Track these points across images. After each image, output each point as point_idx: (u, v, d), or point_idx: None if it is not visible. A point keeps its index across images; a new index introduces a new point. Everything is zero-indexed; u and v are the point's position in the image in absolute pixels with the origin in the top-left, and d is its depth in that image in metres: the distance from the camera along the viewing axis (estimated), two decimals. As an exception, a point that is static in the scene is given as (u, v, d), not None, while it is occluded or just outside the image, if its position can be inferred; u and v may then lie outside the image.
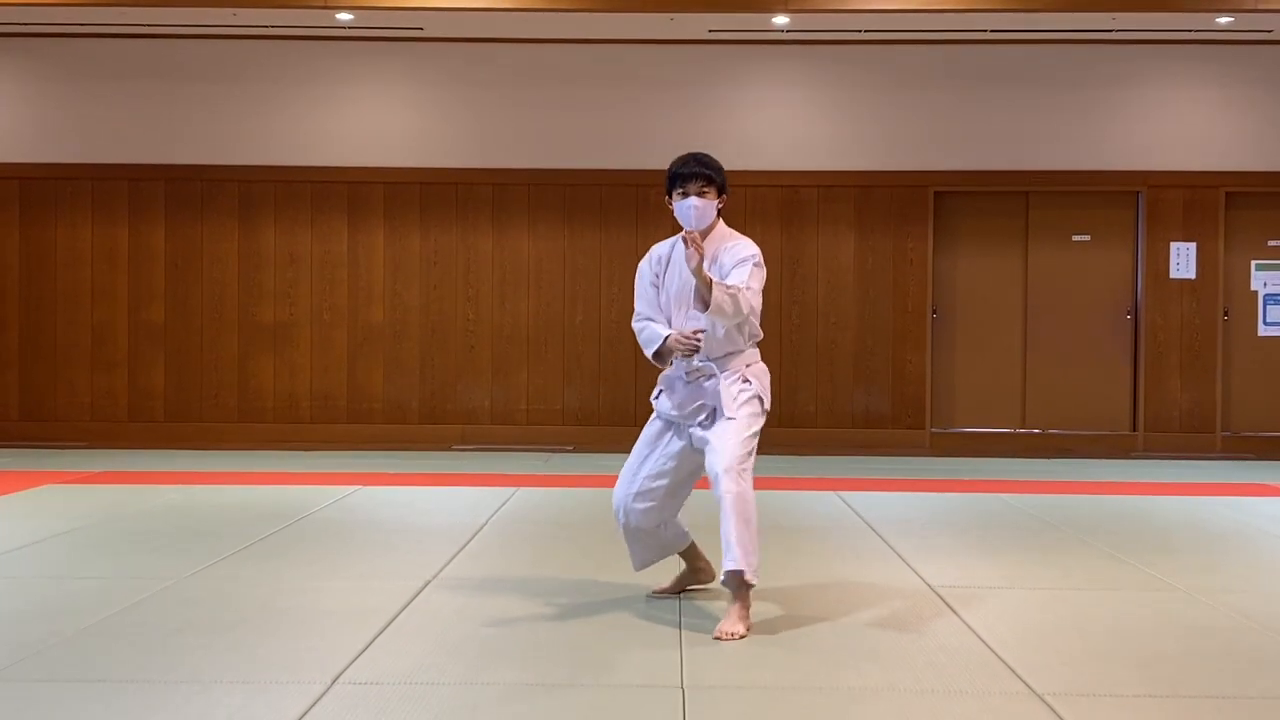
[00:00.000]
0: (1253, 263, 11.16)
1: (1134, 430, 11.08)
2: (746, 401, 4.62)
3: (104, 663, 4.02)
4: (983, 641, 4.36)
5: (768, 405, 4.71)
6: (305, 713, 3.51)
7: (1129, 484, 8.89)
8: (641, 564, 4.96)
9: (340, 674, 3.89)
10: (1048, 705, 3.65)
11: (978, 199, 11.18)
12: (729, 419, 4.57)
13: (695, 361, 4.66)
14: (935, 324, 11.12)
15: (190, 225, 11.07)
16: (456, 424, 10.97)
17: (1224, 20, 10.32)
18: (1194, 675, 4.02)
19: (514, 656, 4.13)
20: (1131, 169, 11.04)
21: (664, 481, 4.74)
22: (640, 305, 4.84)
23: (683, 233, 4.57)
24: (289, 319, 11.06)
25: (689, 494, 4.90)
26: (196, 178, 11.05)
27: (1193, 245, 11.03)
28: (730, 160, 10.78)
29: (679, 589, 5.03)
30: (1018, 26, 10.64)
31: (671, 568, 5.11)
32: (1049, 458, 10.63)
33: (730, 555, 4.41)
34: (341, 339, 11.08)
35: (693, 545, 4.99)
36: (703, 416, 4.65)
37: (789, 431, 10.92)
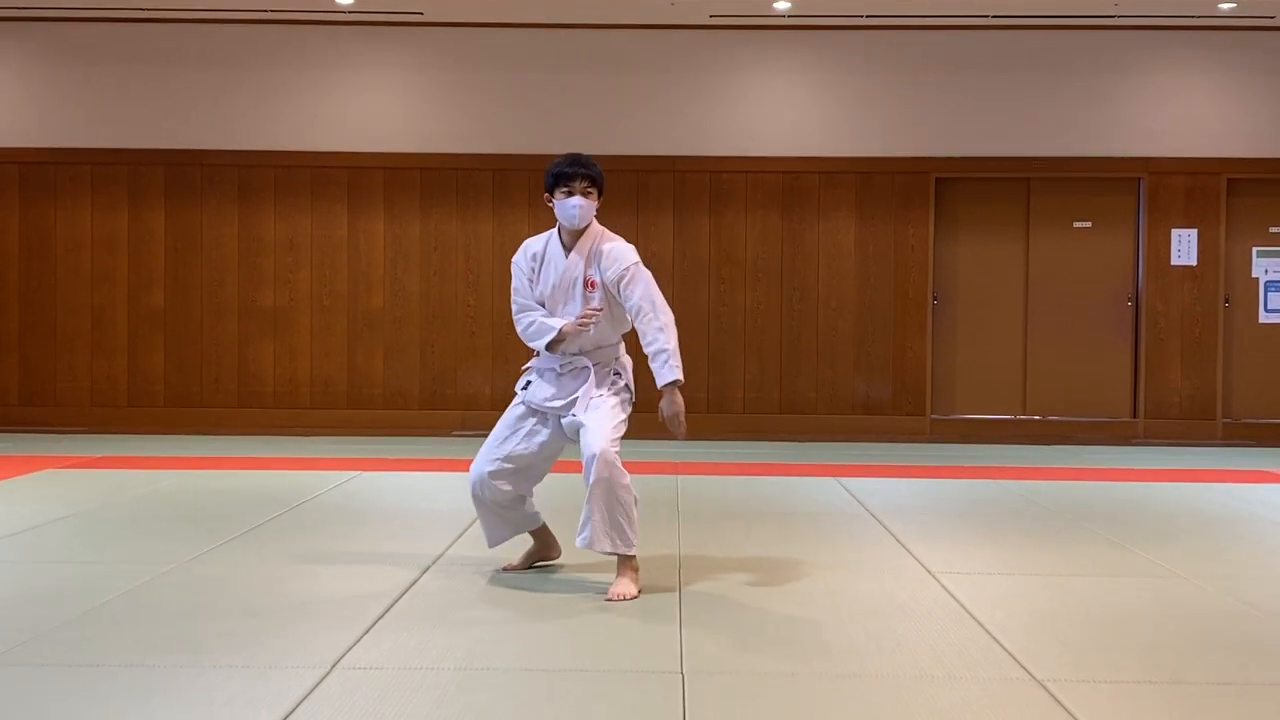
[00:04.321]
0: (1254, 249, 11.15)
1: (1135, 417, 11.07)
2: (618, 390, 4.91)
3: (104, 647, 4.02)
4: (983, 627, 4.36)
5: (634, 396, 4.99)
6: (305, 697, 3.51)
7: (1129, 471, 8.89)
8: (495, 541, 5.19)
9: (340, 658, 3.89)
10: (1048, 691, 3.65)
11: (979, 185, 11.17)
12: (601, 400, 4.82)
13: (568, 355, 4.93)
14: (936, 310, 11.11)
15: (190, 210, 11.05)
16: (457, 409, 10.97)
17: (1226, 6, 10.29)
18: (1195, 661, 4.02)
19: (514, 641, 4.13)
20: (1133, 155, 11.02)
21: (521, 464, 4.97)
22: (519, 298, 5.07)
23: (577, 323, 4.86)
24: (289, 304, 11.06)
25: (545, 474, 5.13)
26: (196, 163, 11.03)
27: (1194, 232, 11.01)
28: (731, 146, 10.88)
29: (528, 564, 5.23)
30: (1020, 12, 10.62)
31: (521, 544, 5.28)
32: (1049, 444, 10.63)
33: (583, 535, 4.72)
34: (341, 324, 11.07)
35: (543, 525, 5.25)
36: (576, 411, 4.86)
37: (789, 418, 10.93)
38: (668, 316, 4.85)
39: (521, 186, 11.00)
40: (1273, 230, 11.16)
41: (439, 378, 11.03)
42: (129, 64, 11.05)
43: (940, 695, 3.61)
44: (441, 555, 5.49)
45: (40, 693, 3.56)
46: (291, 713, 3.38)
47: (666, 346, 4.77)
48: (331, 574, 5.11)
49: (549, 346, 4.93)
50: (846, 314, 11.03)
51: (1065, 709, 3.49)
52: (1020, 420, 11.17)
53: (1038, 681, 3.75)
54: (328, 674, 3.73)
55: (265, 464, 8.67)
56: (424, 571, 5.15)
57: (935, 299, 11.10)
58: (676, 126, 10.87)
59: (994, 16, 10.74)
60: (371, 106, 11.07)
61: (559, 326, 4.89)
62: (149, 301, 11.05)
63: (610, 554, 4.78)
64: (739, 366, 10.98)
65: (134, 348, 11.06)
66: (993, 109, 11.03)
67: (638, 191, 10.87)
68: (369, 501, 7.08)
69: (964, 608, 4.64)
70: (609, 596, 4.68)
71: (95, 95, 11.05)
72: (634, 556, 4.78)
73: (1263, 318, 11.16)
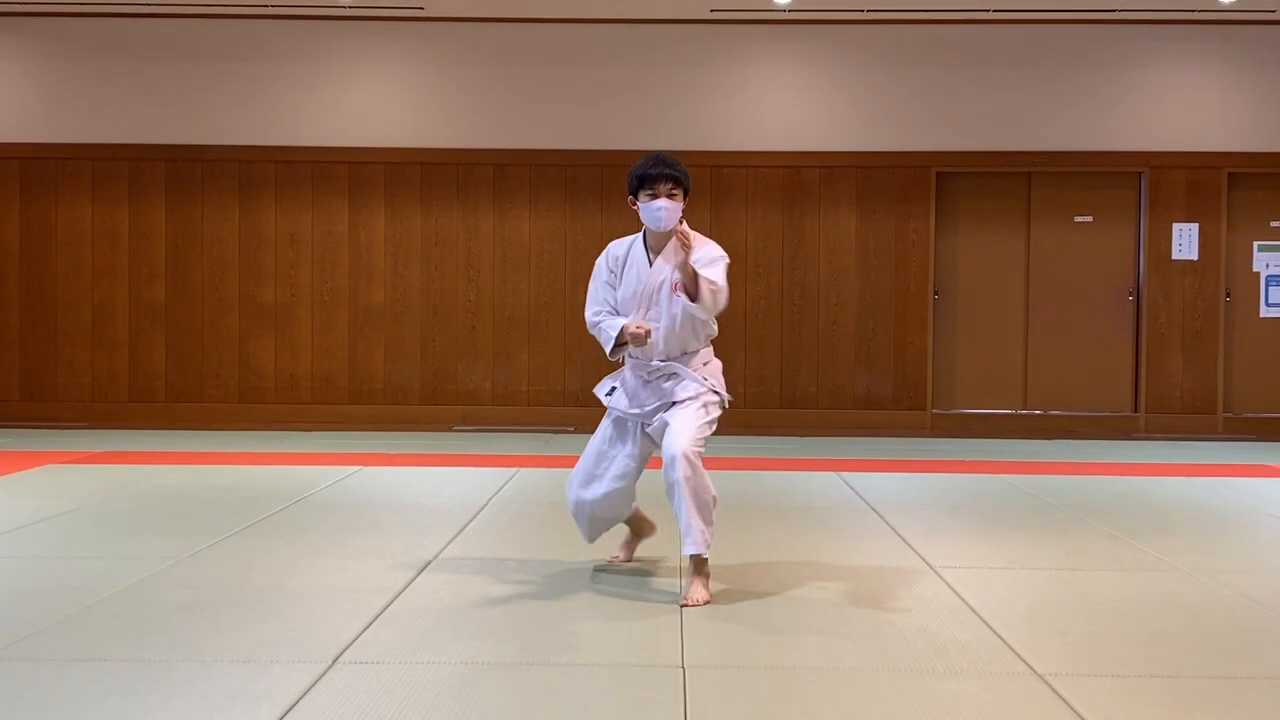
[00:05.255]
0: (1255, 244, 11.15)
1: (1135, 411, 11.07)
2: (705, 393, 4.79)
3: (105, 642, 4.02)
4: (984, 622, 4.36)
5: (726, 400, 4.89)
6: (306, 692, 3.52)
7: (1130, 465, 8.89)
8: (593, 537, 5.17)
9: (341, 653, 3.89)
10: (1049, 685, 3.65)
11: (980, 179, 11.16)
12: (688, 401, 4.75)
13: (654, 362, 4.83)
14: (937, 305, 11.11)
15: (191, 205, 11.05)
16: (457, 405, 10.97)
17: (1228, 0, 10.27)
18: (1196, 655, 4.01)
19: (515, 636, 4.13)
20: (1134, 149, 11.01)
21: (626, 481, 4.93)
22: (594, 303, 4.94)
23: (676, 231, 4.68)
24: (290, 299, 11.06)
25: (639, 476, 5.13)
26: (197, 158, 11.03)
27: (1195, 226, 11.00)
28: (731, 140, 10.87)
29: (631, 554, 5.25)
30: (1021, 6, 10.60)
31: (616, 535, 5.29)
32: (1050, 439, 10.63)
33: (690, 539, 4.61)
34: (342, 320, 11.07)
35: (636, 508, 5.18)
36: (664, 413, 4.81)
37: (790, 413, 10.93)
38: (723, 296, 4.74)
39: (522, 181, 10.99)
40: (1274, 224, 11.15)
41: (439, 373, 11.03)
42: (130, 59, 11.04)
43: (942, 689, 3.61)
44: (442, 550, 5.50)
45: (41, 688, 3.56)
46: (293, 708, 3.39)
47: (715, 281, 4.68)
48: (332, 569, 5.12)
49: (612, 351, 4.86)
50: (847, 308, 11.03)
51: (1066, 703, 3.49)
52: (1021, 415, 11.17)
53: (1039, 675, 3.75)
54: (329, 668, 3.73)
55: (266, 459, 8.67)
56: (425, 567, 5.16)
57: (936, 293, 11.10)
58: (677, 121, 10.87)
59: (995, 11, 10.72)
60: (372, 101, 11.07)
61: (619, 327, 4.76)
62: (150, 297, 11.06)
63: (693, 555, 4.64)
64: (740, 361, 10.97)
65: (135, 343, 11.07)
66: (994, 103, 11.02)
67: (638, 186, 10.87)
68: (370, 497, 7.08)
69: (965, 602, 4.64)
70: (684, 602, 4.55)
71: (96, 90, 11.04)
72: (707, 559, 4.69)
73: (1264, 312, 11.15)
